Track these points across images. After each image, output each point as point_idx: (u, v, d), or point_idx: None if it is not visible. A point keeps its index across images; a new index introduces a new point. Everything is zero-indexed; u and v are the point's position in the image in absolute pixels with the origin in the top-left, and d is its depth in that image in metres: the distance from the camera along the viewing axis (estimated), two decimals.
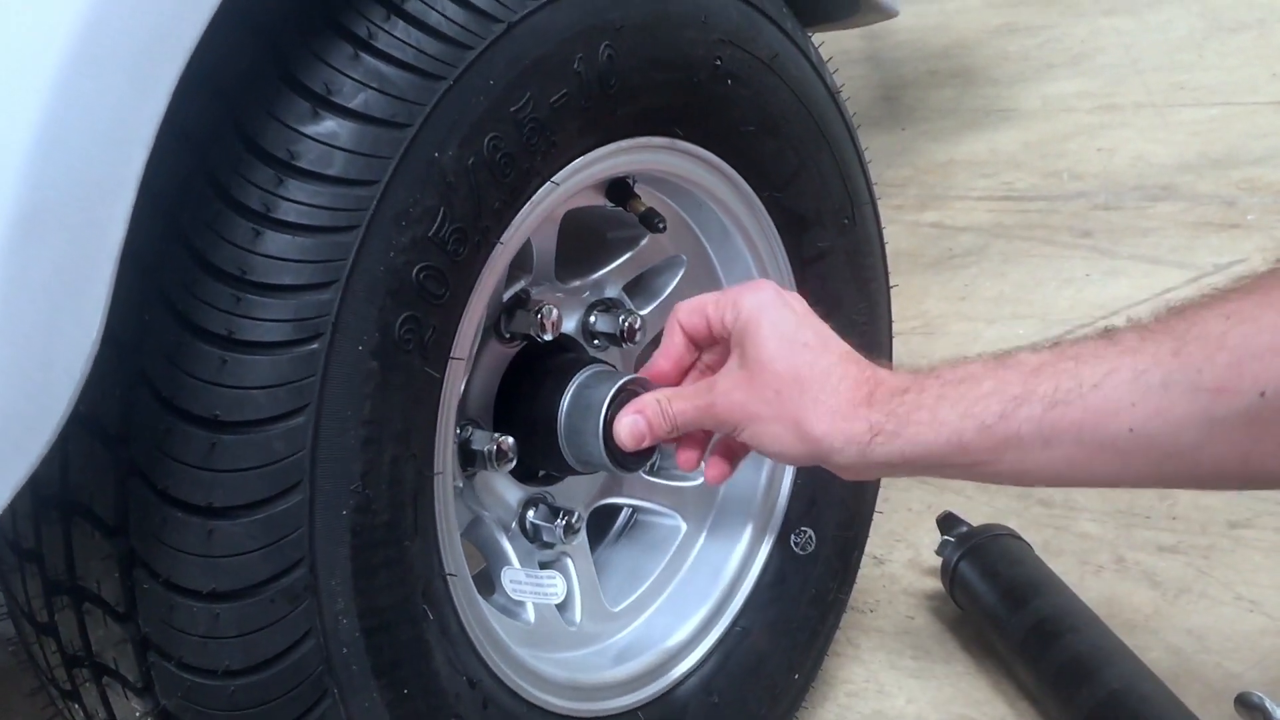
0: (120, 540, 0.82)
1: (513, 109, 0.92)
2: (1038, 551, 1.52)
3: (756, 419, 0.93)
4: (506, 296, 1.09)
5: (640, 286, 1.25)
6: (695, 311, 1.00)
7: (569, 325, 1.17)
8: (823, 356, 0.92)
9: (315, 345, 0.82)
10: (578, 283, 1.18)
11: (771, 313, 0.94)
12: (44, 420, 0.67)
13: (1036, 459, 0.84)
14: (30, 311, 0.65)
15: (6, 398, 0.65)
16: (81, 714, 0.94)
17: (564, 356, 1.16)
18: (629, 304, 1.22)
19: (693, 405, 0.98)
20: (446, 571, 0.95)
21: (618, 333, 1.19)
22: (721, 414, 0.95)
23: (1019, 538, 1.52)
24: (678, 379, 1.04)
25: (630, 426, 1.01)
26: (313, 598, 0.84)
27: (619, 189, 1.15)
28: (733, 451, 1.04)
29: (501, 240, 0.95)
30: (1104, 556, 1.59)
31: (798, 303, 0.97)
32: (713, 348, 1.03)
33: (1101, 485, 0.88)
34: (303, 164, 0.82)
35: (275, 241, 0.81)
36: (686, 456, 1.03)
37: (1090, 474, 0.84)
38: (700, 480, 1.31)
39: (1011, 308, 2.29)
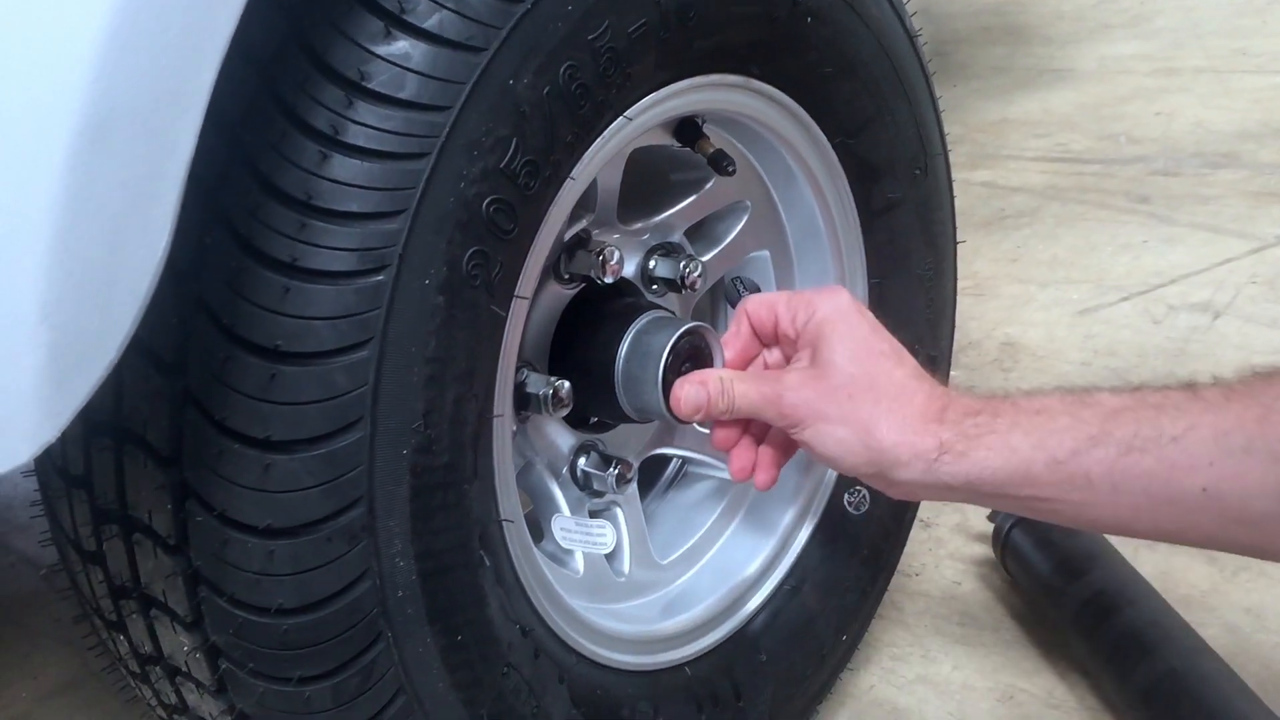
0: (174, 470, 0.80)
1: (590, 37, 0.88)
2: None
3: (823, 419, 0.91)
4: (568, 236, 1.05)
5: (701, 232, 1.20)
6: (764, 305, 1.00)
7: (628, 269, 1.13)
8: (898, 368, 0.91)
9: (381, 277, 0.78)
10: (639, 225, 1.14)
11: (849, 318, 0.94)
12: (105, 342, 0.64)
13: (1101, 503, 0.83)
14: (95, 226, 0.62)
15: (68, 316, 0.62)
16: (126, 645, 0.92)
17: (622, 301, 1.13)
18: (690, 249, 1.18)
19: (757, 391, 0.96)
20: (503, 517, 0.93)
21: (677, 279, 1.15)
22: (786, 408, 0.93)
23: None
24: (739, 370, 1.02)
25: (692, 397, 0.99)
26: (370, 538, 0.81)
27: (688, 128, 1.10)
28: (782, 452, 1.01)
29: (572, 175, 0.91)
30: None
31: (870, 314, 0.97)
32: (776, 347, 1.02)
33: (1161, 539, 0.86)
34: (373, 85, 0.78)
35: (343, 166, 0.77)
36: (725, 435, 1.01)
37: (1154, 526, 0.83)
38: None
39: (1065, 271, 2.23)
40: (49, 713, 1.51)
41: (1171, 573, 1.47)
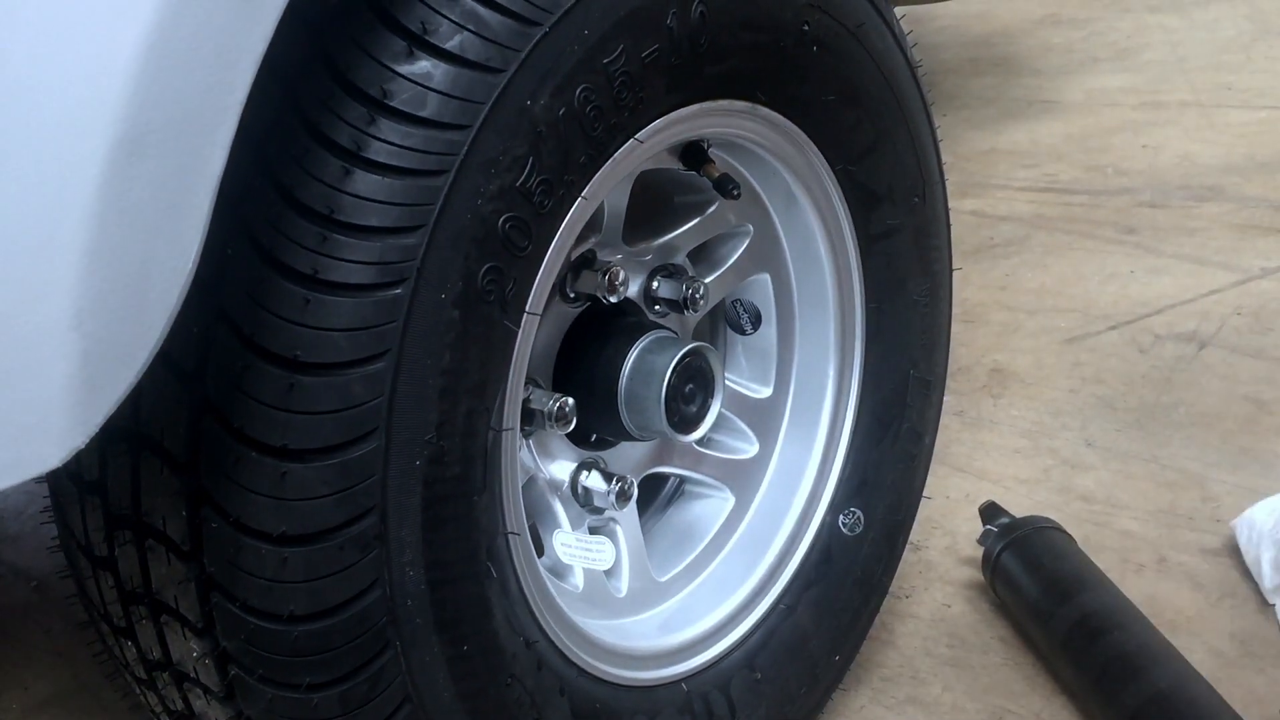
0: (189, 477, 0.81)
1: (605, 60, 0.90)
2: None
3: None
4: (574, 256, 1.07)
5: (702, 255, 1.22)
6: None
7: (632, 289, 1.15)
8: None
9: (399, 290, 0.80)
10: (642, 246, 1.16)
11: None
12: (135, 349, 0.65)
13: None
14: (129, 237, 0.63)
15: (100, 324, 0.63)
16: (134, 651, 0.92)
17: (625, 320, 1.14)
18: (692, 271, 1.20)
19: None
20: (509, 530, 0.94)
21: (680, 299, 1.17)
22: None
23: (1063, 531, 1.50)
24: None
25: None
26: (381, 547, 0.82)
27: (693, 152, 1.13)
28: None
29: (584, 195, 0.93)
30: (1145, 556, 1.58)
31: None
32: None
33: None
34: (395, 103, 0.80)
35: (364, 181, 0.79)
36: None
37: None
38: (751, 454, 1.29)
39: (1053, 300, 2.26)
40: None
41: (1158, 598, 1.49)
